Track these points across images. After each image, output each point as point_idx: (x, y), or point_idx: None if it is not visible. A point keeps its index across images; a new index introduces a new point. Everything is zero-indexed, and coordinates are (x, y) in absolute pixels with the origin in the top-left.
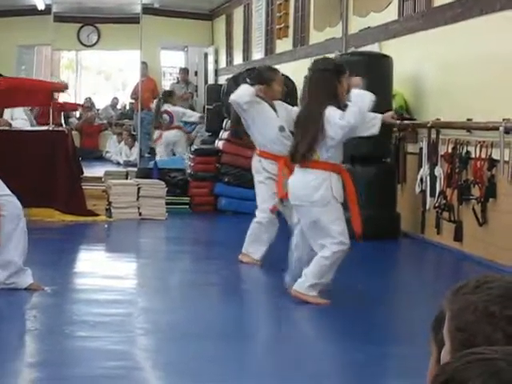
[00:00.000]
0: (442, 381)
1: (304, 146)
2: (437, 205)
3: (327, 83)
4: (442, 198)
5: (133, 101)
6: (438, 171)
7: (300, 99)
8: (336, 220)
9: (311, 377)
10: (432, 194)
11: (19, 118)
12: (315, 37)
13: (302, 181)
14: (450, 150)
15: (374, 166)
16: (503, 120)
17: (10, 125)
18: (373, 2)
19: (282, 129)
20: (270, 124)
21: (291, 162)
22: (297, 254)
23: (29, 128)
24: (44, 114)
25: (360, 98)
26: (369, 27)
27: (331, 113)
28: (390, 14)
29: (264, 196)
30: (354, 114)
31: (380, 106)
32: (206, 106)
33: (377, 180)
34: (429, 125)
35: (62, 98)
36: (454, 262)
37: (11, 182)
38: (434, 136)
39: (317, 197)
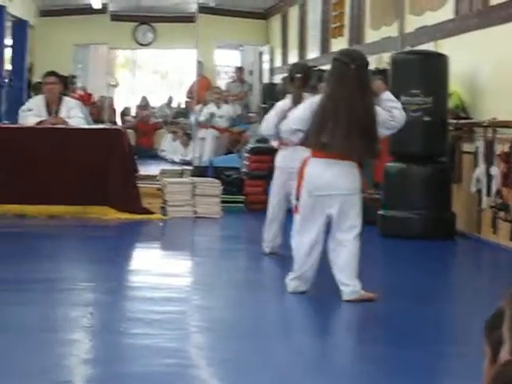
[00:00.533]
0: (508, 380)
1: (363, 142)
2: (493, 204)
3: (370, 78)
4: (498, 198)
5: (188, 99)
6: (494, 170)
7: (334, 89)
8: None
9: (367, 376)
10: (488, 194)
11: (76, 116)
12: (371, 35)
13: (348, 172)
14: (506, 150)
15: (430, 166)
16: None
17: (67, 123)
18: (429, 1)
19: None
20: None
21: (323, 152)
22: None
23: (85, 126)
24: (97, 111)
25: (395, 102)
26: (425, 26)
27: (381, 112)
28: (446, 12)
29: None
30: (403, 117)
31: (437, 105)
32: (261, 105)
33: (432, 179)
34: (485, 124)
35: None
36: (511, 262)
37: (68, 179)
38: (490, 135)
39: (359, 184)
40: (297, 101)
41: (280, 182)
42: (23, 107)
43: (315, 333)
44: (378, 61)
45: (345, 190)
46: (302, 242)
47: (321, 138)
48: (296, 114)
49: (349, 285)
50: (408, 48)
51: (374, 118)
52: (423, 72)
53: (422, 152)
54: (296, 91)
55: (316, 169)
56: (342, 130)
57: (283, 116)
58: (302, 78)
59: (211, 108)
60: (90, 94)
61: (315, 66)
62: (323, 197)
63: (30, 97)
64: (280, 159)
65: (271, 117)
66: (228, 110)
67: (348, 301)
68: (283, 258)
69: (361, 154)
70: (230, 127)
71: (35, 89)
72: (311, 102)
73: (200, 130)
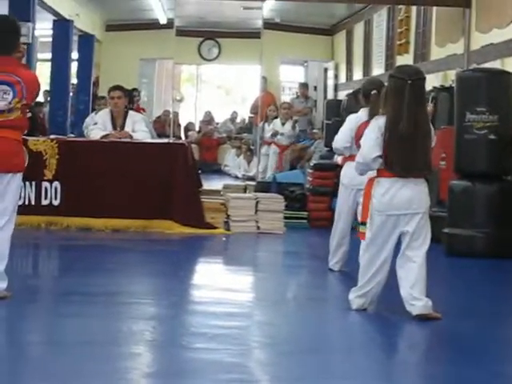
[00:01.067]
0: None
1: (428, 158)
2: None
3: (426, 93)
4: None
5: (252, 115)
6: None
7: (394, 106)
8: None
9: None
10: None
11: (141, 130)
12: (436, 53)
13: (422, 190)
14: None
15: (495, 184)
16: None
17: (131, 137)
18: (496, 18)
19: None
20: None
21: (394, 171)
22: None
23: (150, 140)
24: (160, 125)
25: None
26: (491, 44)
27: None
28: None
29: None
30: None
31: (503, 123)
32: (325, 121)
33: (498, 198)
34: None
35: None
36: None
37: (132, 193)
38: None
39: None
40: (373, 116)
41: (345, 198)
42: (87, 120)
43: (378, 350)
44: (443, 78)
45: (423, 208)
46: (372, 260)
47: (390, 157)
48: (370, 142)
49: (421, 299)
50: (474, 65)
51: (431, 133)
52: (489, 90)
53: (488, 170)
54: (373, 106)
55: (388, 188)
56: (410, 147)
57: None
58: (377, 94)
59: (276, 124)
60: (143, 109)
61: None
62: (399, 216)
63: (94, 110)
64: (345, 175)
65: (346, 130)
66: (288, 127)
67: (418, 315)
68: (346, 275)
69: (428, 170)
70: (293, 143)
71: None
72: (377, 125)
73: (263, 146)
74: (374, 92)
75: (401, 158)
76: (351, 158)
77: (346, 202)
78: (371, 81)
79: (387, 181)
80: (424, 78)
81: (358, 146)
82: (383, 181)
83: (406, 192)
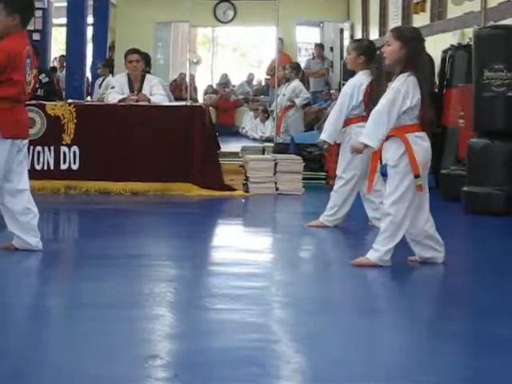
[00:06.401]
0: None
1: None
2: None
3: None
4: None
5: (268, 77)
6: None
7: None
8: None
9: (448, 352)
10: None
11: (158, 94)
12: (453, 11)
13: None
14: None
15: None
16: None
17: (149, 100)
18: None
19: None
20: None
21: (421, 126)
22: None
23: (167, 103)
24: (177, 89)
25: None
26: (508, 0)
27: None
28: None
29: None
30: None
31: None
32: (342, 82)
33: None
34: None
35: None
36: None
37: (150, 156)
38: None
39: None
40: (378, 76)
41: (363, 158)
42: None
43: (398, 308)
44: (460, 36)
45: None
46: (408, 210)
47: (424, 113)
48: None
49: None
50: (491, 23)
51: None
52: (507, 47)
53: (506, 127)
54: (378, 67)
55: (425, 141)
56: (429, 104)
57: None
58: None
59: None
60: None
61: None
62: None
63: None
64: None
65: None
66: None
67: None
68: (366, 235)
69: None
70: (309, 104)
71: (105, 66)
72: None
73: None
74: (378, 53)
75: (430, 113)
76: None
77: (361, 162)
78: (369, 41)
79: (423, 134)
80: None
81: (369, 110)
82: (422, 135)
83: (429, 145)
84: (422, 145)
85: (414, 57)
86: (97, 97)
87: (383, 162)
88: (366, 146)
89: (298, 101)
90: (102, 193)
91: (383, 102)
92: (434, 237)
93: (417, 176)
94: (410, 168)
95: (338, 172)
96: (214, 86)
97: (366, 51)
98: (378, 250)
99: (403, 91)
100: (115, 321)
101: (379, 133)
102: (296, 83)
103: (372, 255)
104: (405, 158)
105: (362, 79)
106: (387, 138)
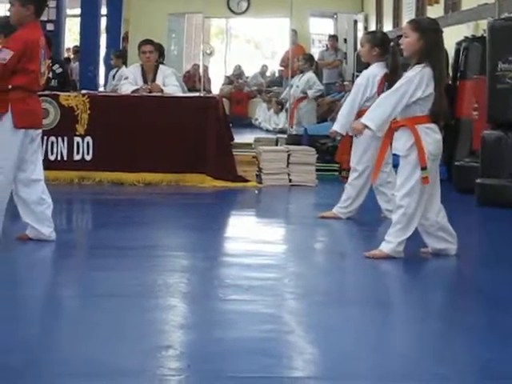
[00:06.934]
0: None
1: None
2: None
3: None
4: None
5: (282, 68)
6: None
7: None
8: None
9: (464, 344)
10: None
11: (171, 85)
12: (467, 2)
13: None
14: None
15: None
16: None
17: (162, 91)
18: None
19: None
20: None
21: (438, 122)
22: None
23: (181, 94)
24: (190, 80)
25: None
26: None
27: None
28: None
29: None
30: None
31: None
32: (356, 73)
33: None
34: None
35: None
36: None
37: (164, 147)
38: None
39: None
40: (395, 68)
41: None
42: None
43: (410, 299)
44: (474, 28)
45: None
46: (420, 202)
47: (438, 105)
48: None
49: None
50: (505, 15)
51: None
52: None
53: None
54: (394, 58)
55: (435, 135)
56: (444, 96)
57: None
58: (396, 46)
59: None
60: None
61: None
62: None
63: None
64: None
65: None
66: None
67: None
68: (379, 227)
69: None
70: (322, 96)
71: (118, 56)
72: (423, 74)
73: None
74: (392, 44)
75: (444, 106)
76: None
77: (375, 154)
78: (383, 33)
79: (434, 126)
80: None
81: None
82: (433, 126)
83: (440, 137)
84: (433, 136)
85: (431, 48)
86: (110, 88)
87: (393, 152)
88: (366, 127)
89: (310, 93)
90: (116, 183)
91: (394, 88)
92: (447, 228)
93: (423, 168)
94: (419, 159)
95: (352, 164)
96: (228, 78)
97: (380, 43)
98: (391, 242)
99: (416, 81)
100: (128, 311)
101: (381, 117)
102: (310, 75)
103: (385, 247)
104: (415, 149)
105: (376, 71)
106: (397, 129)
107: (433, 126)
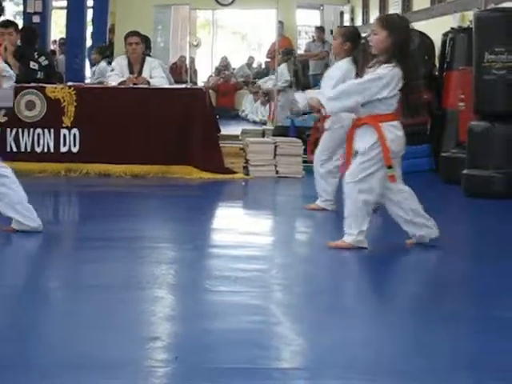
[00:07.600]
0: None
1: None
2: None
3: None
4: None
5: (268, 60)
6: None
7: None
8: None
9: (452, 335)
10: None
11: (158, 76)
12: None
13: None
14: None
15: None
16: None
17: (149, 83)
18: None
19: None
20: None
21: (397, 115)
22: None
23: (167, 86)
24: (177, 72)
25: None
26: None
27: None
28: None
29: None
30: None
31: None
32: None
33: None
34: None
35: (199, 56)
36: None
37: (151, 139)
38: None
39: None
40: (363, 64)
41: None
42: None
43: (397, 292)
44: (461, 19)
45: None
46: (400, 197)
47: (405, 103)
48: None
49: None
50: (492, 6)
51: None
52: (507, 30)
53: (507, 110)
54: (364, 55)
55: (398, 132)
56: (416, 91)
57: None
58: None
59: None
60: None
61: None
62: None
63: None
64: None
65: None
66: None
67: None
68: None
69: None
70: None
71: (99, 52)
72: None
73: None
74: (363, 41)
75: (409, 103)
76: None
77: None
78: (355, 28)
79: (397, 124)
80: None
81: None
82: (396, 124)
83: (402, 134)
84: (395, 133)
85: (400, 46)
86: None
87: (354, 149)
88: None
89: (278, 84)
90: (103, 175)
91: (363, 80)
92: (422, 213)
93: (389, 167)
94: (381, 157)
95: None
96: (214, 69)
97: (352, 38)
98: (352, 234)
99: (385, 81)
100: (116, 302)
101: (340, 102)
102: (281, 67)
103: (347, 238)
104: (377, 147)
105: (351, 66)
106: (360, 126)
107: (395, 123)
